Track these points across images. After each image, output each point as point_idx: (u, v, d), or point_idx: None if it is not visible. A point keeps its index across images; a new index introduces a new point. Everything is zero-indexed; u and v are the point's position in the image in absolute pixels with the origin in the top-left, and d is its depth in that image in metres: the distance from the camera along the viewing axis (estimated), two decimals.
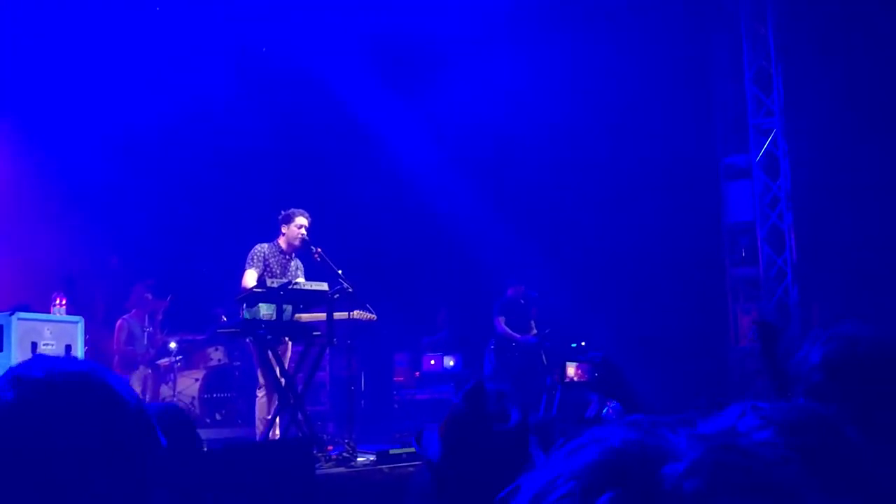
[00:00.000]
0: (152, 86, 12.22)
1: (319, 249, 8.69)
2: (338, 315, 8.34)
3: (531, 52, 12.73)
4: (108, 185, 12.21)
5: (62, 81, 11.73)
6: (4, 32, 11.13)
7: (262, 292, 8.04)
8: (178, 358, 11.70)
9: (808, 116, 12.04)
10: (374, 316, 8.72)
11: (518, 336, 12.35)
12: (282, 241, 8.89)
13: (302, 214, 8.87)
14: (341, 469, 7.10)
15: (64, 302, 9.72)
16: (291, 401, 8.07)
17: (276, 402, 8.27)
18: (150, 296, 11.54)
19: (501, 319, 12.43)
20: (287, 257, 8.87)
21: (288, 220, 8.86)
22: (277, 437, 8.06)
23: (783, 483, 0.82)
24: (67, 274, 11.20)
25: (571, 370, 3.86)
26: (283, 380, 8.14)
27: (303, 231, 8.79)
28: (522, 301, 12.46)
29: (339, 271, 8.49)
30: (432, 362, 13.69)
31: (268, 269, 8.65)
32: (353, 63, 13.41)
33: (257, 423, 8.61)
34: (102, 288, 11.89)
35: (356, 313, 8.50)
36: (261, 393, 8.59)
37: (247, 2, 12.33)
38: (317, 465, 6.77)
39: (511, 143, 13.39)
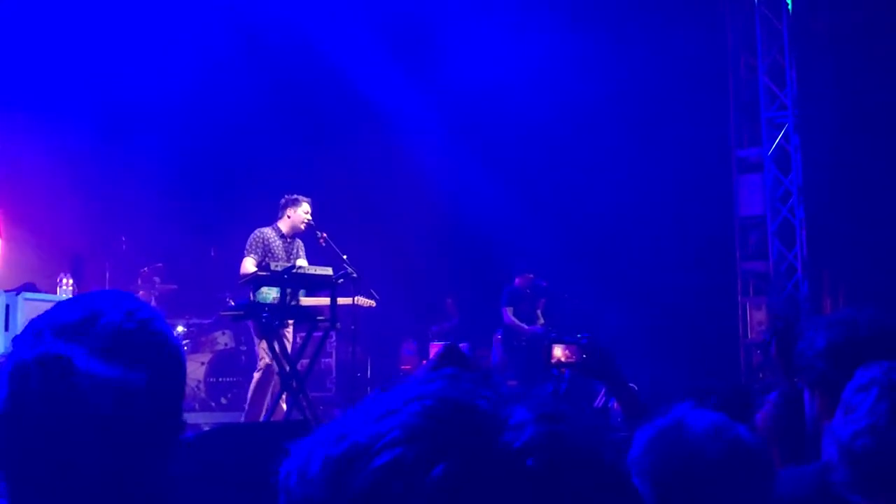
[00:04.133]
0: (161, 65, 12.21)
1: (325, 234, 8.75)
2: (342, 300, 8.34)
3: (546, 38, 12.67)
4: (117, 165, 12.23)
5: (67, 60, 11.73)
6: (11, 18, 11.16)
7: (266, 276, 8.06)
8: (184, 342, 11.71)
9: (822, 110, 11.96)
10: (373, 302, 8.77)
11: (525, 327, 12.25)
12: (282, 225, 8.95)
13: (307, 200, 8.95)
14: None
15: (70, 283, 9.73)
16: (294, 385, 8.07)
17: (278, 386, 8.30)
18: (157, 279, 11.56)
19: (509, 310, 12.34)
20: (289, 240, 8.91)
21: (295, 203, 8.91)
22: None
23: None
24: (75, 254, 11.22)
25: (558, 351, 3.82)
26: (286, 364, 8.14)
27: (309, 216, 8.86)
28: (529, 291, 12.38)
29: (345, 256, 8.51)
30: None
31: (270, 253, 8.69)
32: (369, 51, 13.39)
33: (249, 400, 8.66)
34: (110, 269, 11.89)
35: (358, 299, 8.52)
36: (258, 374, 8.68)
37: None
38: None
39: (523, 131, 13.33)
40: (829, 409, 2.33)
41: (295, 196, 8.98)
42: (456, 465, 0.70)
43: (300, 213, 8.89)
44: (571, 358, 3.78)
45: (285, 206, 8.96)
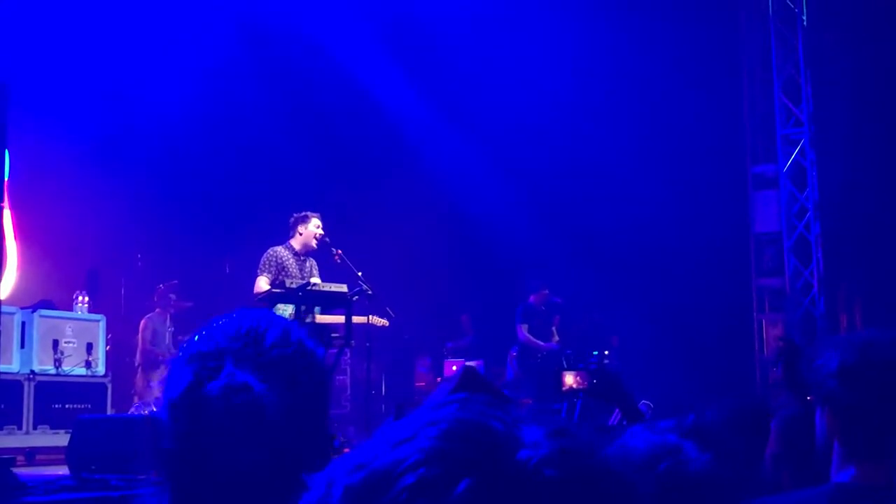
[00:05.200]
0: (176, 85, 12.26)
1: (340, 251, 8.74)
2: (357, 319, 8.34)
3: (565, 53, 12.69)
4: (132, 183, 12.27)
5: (81, 79, 11.79)
6: (30, 35, 11.27)
7: (280, 293, 8.06)
8: None
9: (838, 125, 11.92)
10: (386, 322, 8.75)
11: (541, 344, 12.21)
12: (295, 243, 8.92)
13: (316, 216, 8.93)
14: None
15: (86, 300, 9.78)
16: None
17: None
18: (173, 296, 11.57)
19: (524, 327, 12.28)
20: (302, 258, 8.89)
21: (305, 220, 8.89)
22: None
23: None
24: (90, 271, 11.25)
25: (570, 378, 3.87)
26: None
27: (320, 231, 8.84)
28: (544, 308, 12.34)
29: (360, 273, 8.51)
30: (454, 368, 13.61)
31: (285, 271, 8.66)
32: (387, 67, 13.45)
33: None
34: (125, 286, 11.92)
35: (372, 319, 8.51)
36: None
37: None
38: None
39: (538, 148, 13.34)
40: (838, 428, 2.32)
41: (304, 213, 8.96)
42: (480, 481, 0.72)
43: (311, 228, 8.87)
44: (583, 384, 3.83)
45: (296, 224, 8.94)
